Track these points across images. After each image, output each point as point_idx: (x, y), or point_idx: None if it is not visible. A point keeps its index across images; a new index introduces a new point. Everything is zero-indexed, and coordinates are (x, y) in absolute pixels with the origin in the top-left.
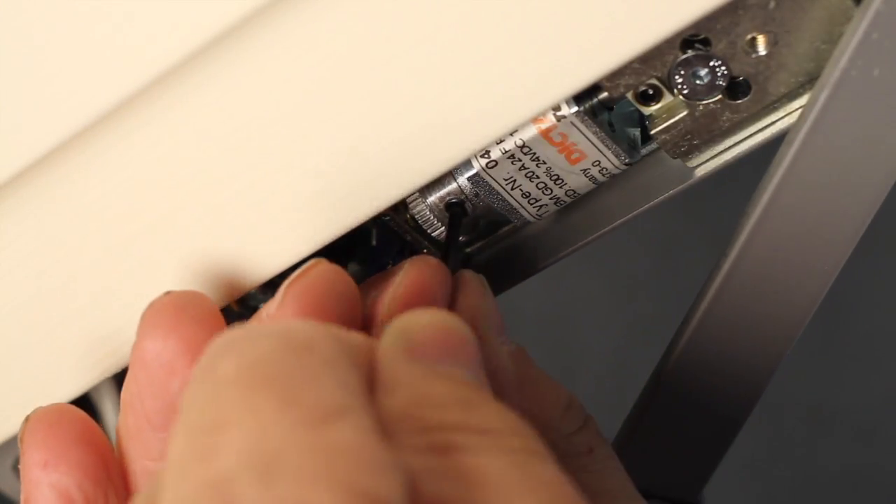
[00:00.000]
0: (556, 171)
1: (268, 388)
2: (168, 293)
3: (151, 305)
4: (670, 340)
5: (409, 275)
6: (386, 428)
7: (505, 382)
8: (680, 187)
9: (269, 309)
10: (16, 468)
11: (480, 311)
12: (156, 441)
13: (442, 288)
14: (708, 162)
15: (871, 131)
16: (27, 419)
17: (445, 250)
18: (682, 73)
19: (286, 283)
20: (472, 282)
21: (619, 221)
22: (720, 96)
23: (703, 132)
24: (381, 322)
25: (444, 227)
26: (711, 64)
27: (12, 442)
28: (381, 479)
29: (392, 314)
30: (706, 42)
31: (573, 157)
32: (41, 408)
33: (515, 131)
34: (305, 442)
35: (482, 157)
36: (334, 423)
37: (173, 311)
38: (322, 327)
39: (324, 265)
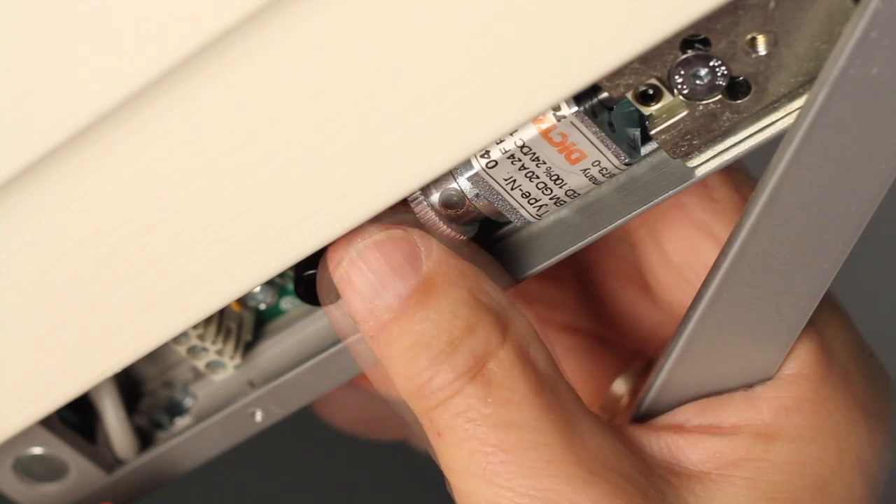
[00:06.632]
0: (556, 171)
1: None
2: None
3: None
4: (669, 340)
5: None
6: None
7: None
8: (680, 187)
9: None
10: (16, 468)
11: None
12: None
13: None
14: (708, 162)
15: (870, 130)
16: None
17: None
18: (682, 73)
19: None
20: None
21: (619, 221)
22: (720, 96)
23: (703, 132)
24: None
25: (445, 227)
26: (711, 64)
27: (12, 442)
28: None
29: None
30: (706, 42)
31: (573, 157)
32: None
33: (515, 131)
34: None
35: (482, 157)
36: None
37: None
38: None
39: None
